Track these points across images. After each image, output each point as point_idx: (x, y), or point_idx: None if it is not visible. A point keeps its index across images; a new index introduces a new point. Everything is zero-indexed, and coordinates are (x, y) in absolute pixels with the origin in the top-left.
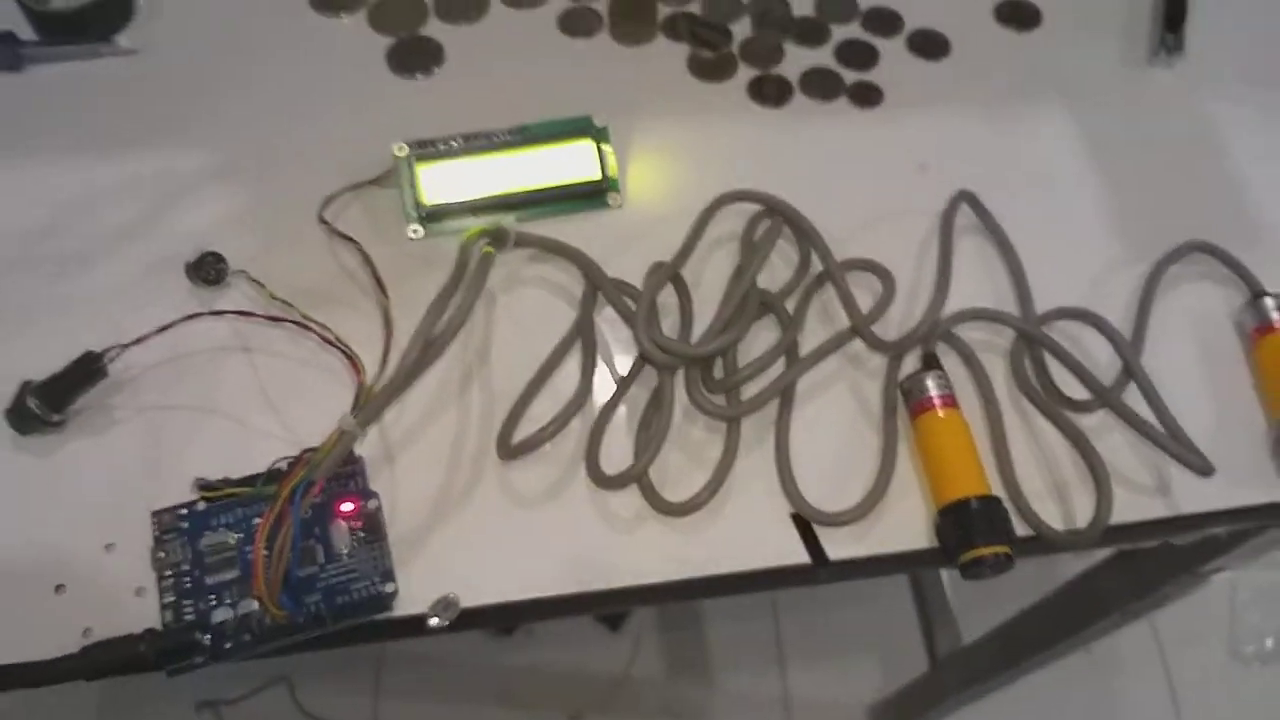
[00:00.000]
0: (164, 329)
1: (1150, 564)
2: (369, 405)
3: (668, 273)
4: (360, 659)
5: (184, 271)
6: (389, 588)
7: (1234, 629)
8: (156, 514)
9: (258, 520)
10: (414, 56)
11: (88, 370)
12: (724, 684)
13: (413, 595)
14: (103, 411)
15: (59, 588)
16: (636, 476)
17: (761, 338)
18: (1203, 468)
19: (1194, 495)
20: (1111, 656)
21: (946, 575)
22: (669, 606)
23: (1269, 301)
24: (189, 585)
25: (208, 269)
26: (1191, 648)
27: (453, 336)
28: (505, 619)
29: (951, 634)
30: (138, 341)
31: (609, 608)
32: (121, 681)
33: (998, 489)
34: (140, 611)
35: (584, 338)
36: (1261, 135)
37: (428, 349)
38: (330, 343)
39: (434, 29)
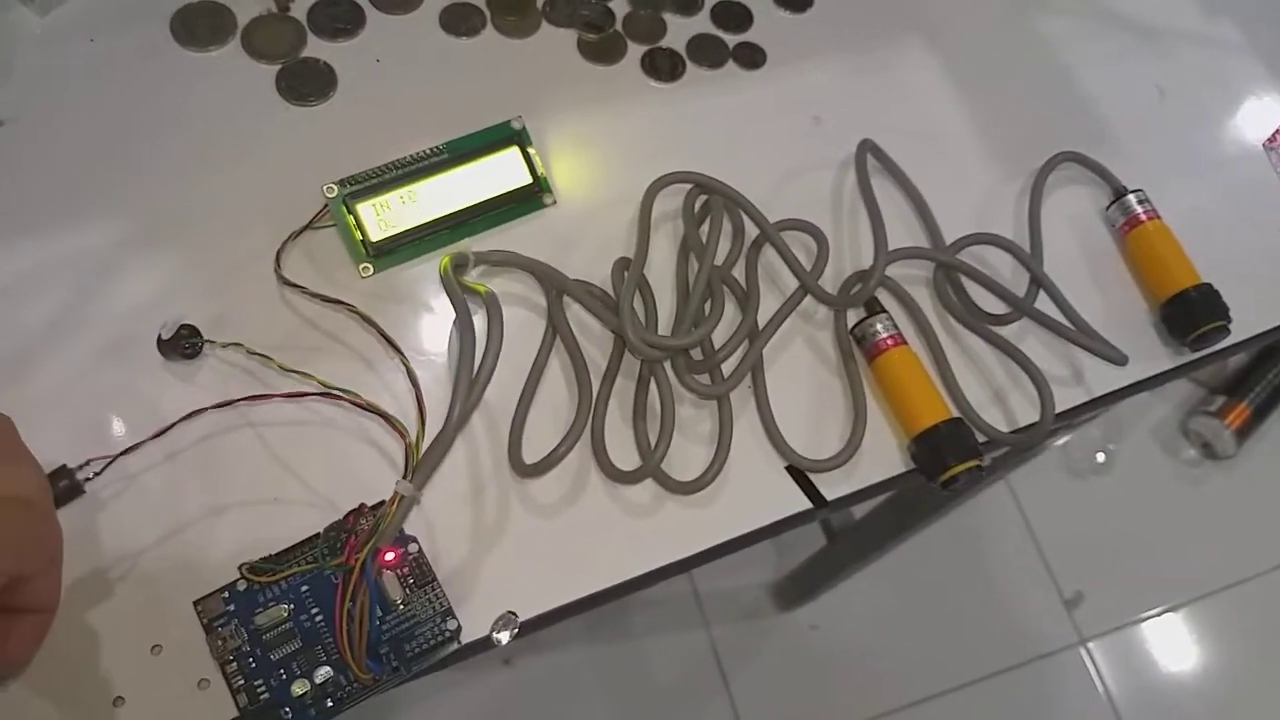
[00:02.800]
0: (162, 432)
1: None
2: (421, 466)
3: (635, 273)
4: None
5: (156, 348)
6: (452, 625)
7: (1066, 450)
8: (198, 602)
9: (305, 588)
10: (305, 82)
11: (67, 488)
12: (637, 596)
13: (473, 620)
14: (112, 523)
15: (118, 700)
16: (651, 472)
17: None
18: (1118, 358)
19: (1105, 379)
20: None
21: None
22: None
23: (1132, 198)
24: (254, 665)
25: (184, 344)
26: (1033, 477)
27: (487, 383)
28: (559, 619)
29: (845, 510)
30: (127, 451)
31: (647, 585)
32: None
33: (950, 407)
34: (209, 704)
35: (565, 343)
36: (1086, 44)
37: (468, 399)
38: (364, 408)
39: (315, 48)
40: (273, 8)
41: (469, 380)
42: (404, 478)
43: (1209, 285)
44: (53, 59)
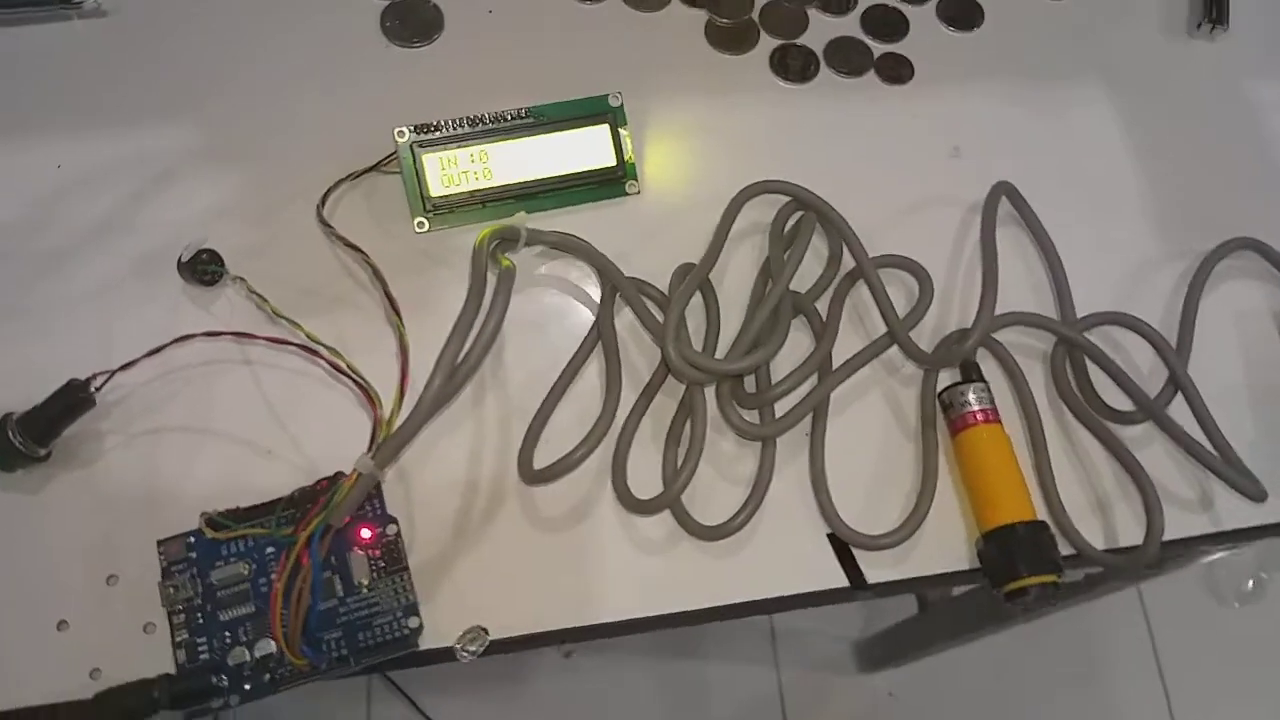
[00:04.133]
0: (153, 352)
1: None
2: (386, 444)
3: (696, 280)
4: None
5: (177, 270)
6: (413, 623)
7: (1212, 569)
8: (162, 544)
9: (271, 549)
10: (412, 22)
11: (73, 400)
12: None
13: (437, 625)
14: (93, 438)
15: (61, 624)
16: (669, 503)
17: (792, 342)
18: (1256, 493)
19: (1238, 510)
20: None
21: None
22: None
23: None
24: (201, 621)
25: (202, 269)
26: (1169, 588)
27: (476, 368)
28: (534, 645)
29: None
30: (125, 367)
31: (640, 631)
32: None
33: (1039, 505)
34: (150, 649)
35: (605, 346)
36: None
37: (449, 381)
38: (341, 371)
39: None
40: None
41: (453, 359)
42: (367, 453)
43: None
44: None
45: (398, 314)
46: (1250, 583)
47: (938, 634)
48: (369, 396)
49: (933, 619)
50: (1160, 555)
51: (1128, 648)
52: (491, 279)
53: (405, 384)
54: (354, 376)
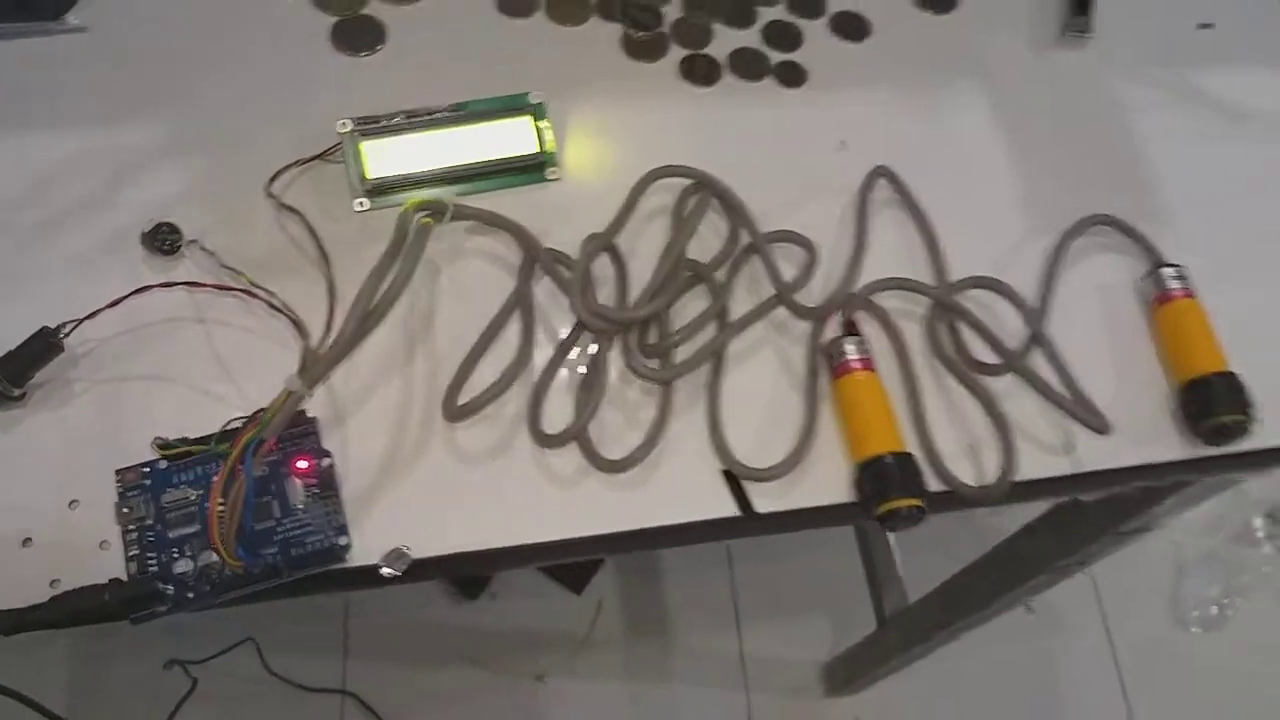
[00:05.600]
0: (115, 303)
1: (1077, 523)
2: (313, 367)
3: (601, 243)
4: (327, 620)
5: (140, 241)
6: (343, 540)
7: (1178, 594)
8: (120, 472)
9: (216, 478)
10: (357, 35)
11: (45, 345)
12: (683, 644)
13: (366, 548)
14: (62, 384)
15: (26, 541)
16: (575, 435)
17: (694, 307)
18: (1099, 426)
19: (1098, 454)
20: (1055, 621)
21: (893, 538)
22: (628, 571)
23: (1167, 271)
24: (152, 539)
25: (162, 239)
26: (1134, 612)
27: (393, 302)
28: (453, 570)
29: (898, 593)
30: (91, 316)
31: (550, 558)
32: (91, 639)
33: (914, 448)
34: (105, 564)
35: (522, 306)
36: (1159, 113)
37: (369, 314)
38: (277, 309)
39: (376, 9)
40: None
41: (371, 293)
42: (296, 374)
43: (1233, 374)
44: None
45: (327, 261)
46: (1214, 609)
47: (895, 646)
48: (299, 329)
49: (889, 632)
50: (1010, 489)
51: (1092, 672)
52: (411, 235)
53: (332, 318)
54: (288, 313)
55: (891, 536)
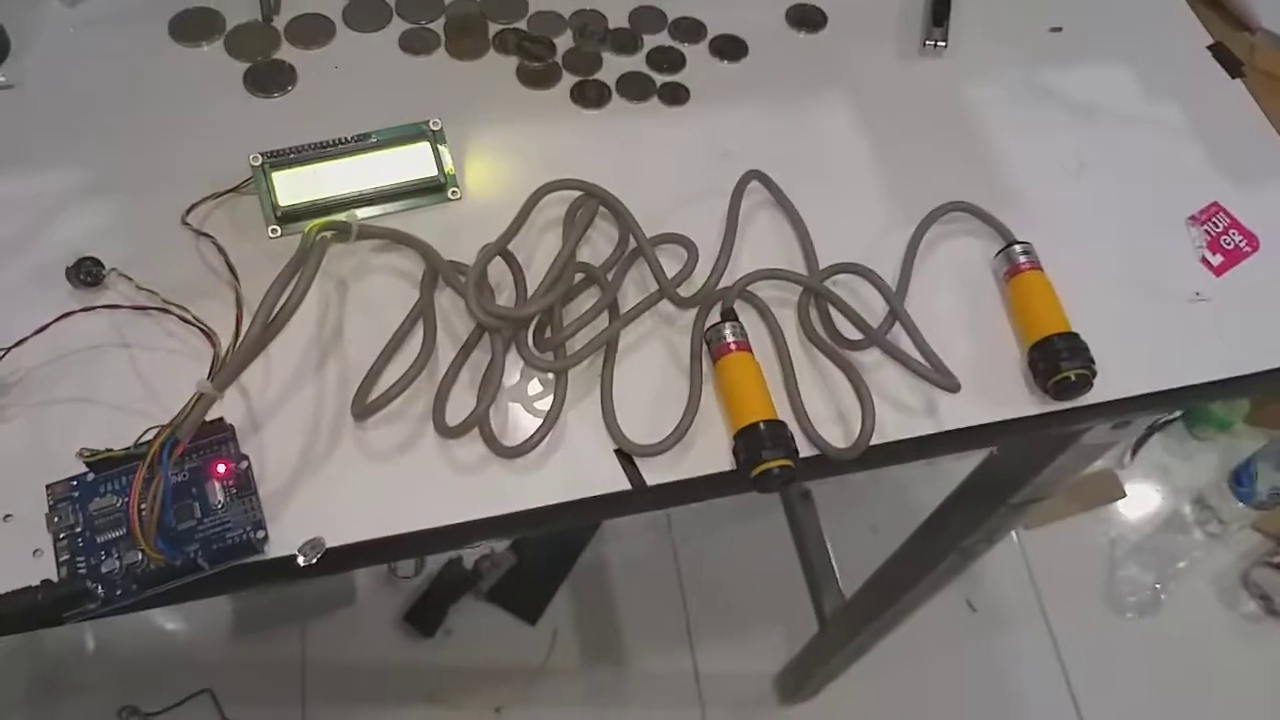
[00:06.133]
0: (42, 329)
1: (974, 501)
2: (223, 370)
3: (494, 250)
4: (284, 667)
5: (65, 276)
6: (260, 534)
7: (1113, 583)
8: (50, 486)
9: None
10: (269, 78)
11: None
12: (638, 667)
13: (284, 542)
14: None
15: None
16: (475, 423)
17: (587, 304)
18: (951, 385)
19: (957, 415)
20: (997, 617)
21: (829, 540)
22: (582, 598)
23: (1016, 248)
24: (81, 544)
25: (85, 271)
26: (1072, 603)
27: (295, 307)
28: (366, 557)
29: (834, 592)
30: (19, 343)
31: (459, 543)
32: (45, 688)
33: (789, 419)
34: (39, 570)
35: (425, 312)
36: (1012, 110)
37: (273, 321)
38: (189, 321)
39: (286, 53)
40: (258, 17)
41: (273, 303)
42: (206, 378)
43: (1075, 334)
44: (65, 40)
45: (235, 277)
46: (1149, 594)
47: (837, 643)
48: (210, 338)
49: (831, 631)
50: (868, 448)
51: (1037, 664)
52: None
53: (239, 327)
54: (199, 325)
55: (827, 539)
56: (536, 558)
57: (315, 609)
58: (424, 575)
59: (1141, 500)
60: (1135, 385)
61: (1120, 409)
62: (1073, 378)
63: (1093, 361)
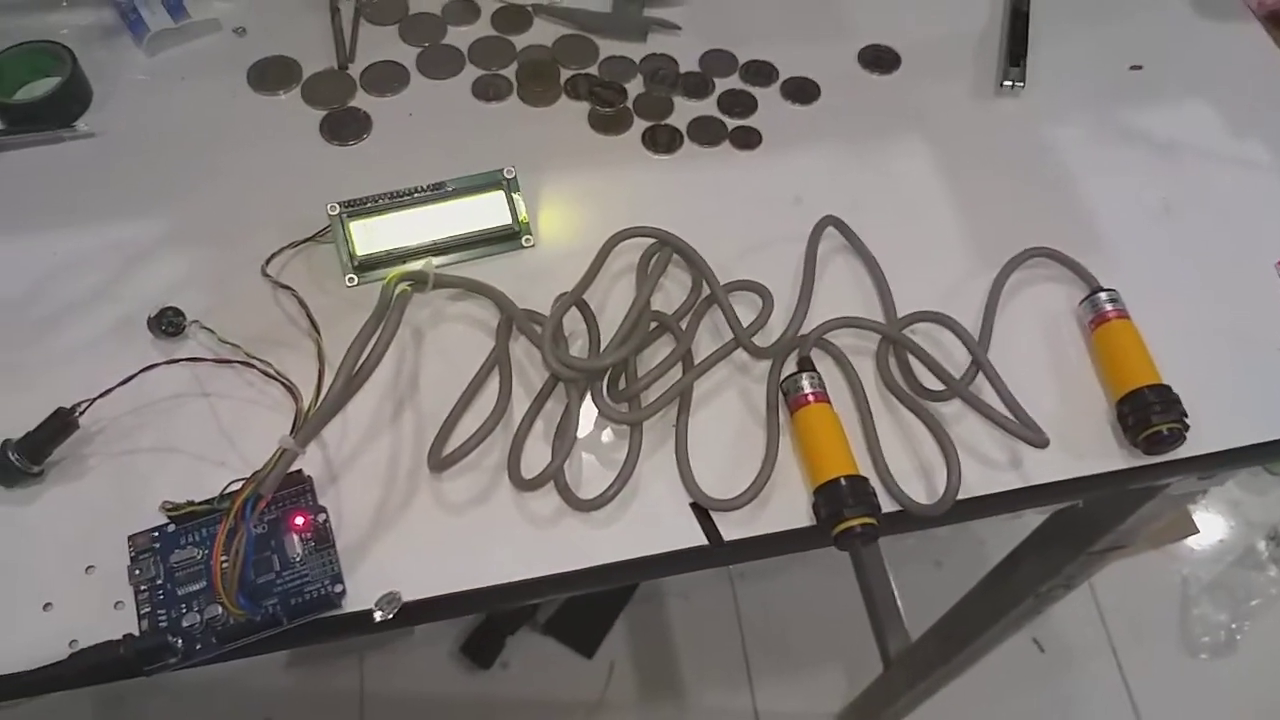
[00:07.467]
0: (126, 381)
1: (1054, 547)
2: (305, 426)
3: (570, 300)
4: (343, 698)
5: (146, 326)
6: (338, 588)
7: (1185, 622)
8: (132, 537)
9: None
10: (345, 126)
11: (61, 424)
12: (696, 703)
13: (360, 595)
14: (77, 460)
15: (46, 606)
16: (551, 476)
17: (661, 354)
18: (1038, 441)
19: (1043, 469)
20: (1066, 659)
21: (893, 579)
22: (639, 632)
23: (1102, 295)
24: (162, 596)
25: (167, 322)
26: (1144, 643)
27: (377, 363)
28: (442, 611)
29: (900, 634)
30: (103, 395)
31: (534, 596)
32: (107, 709)
33: (868, 472)
34: (120, 623)
35: (500, 362)
36: (1093, 151)
37: (355, 376)
38: (271, 376)
39: (361, 101)
40: (334, 65)
41: (355, 359)
42: (289, 434)
43: (1166, 386)
44: (146, 90)
45: (316, 330)
46: (1223, 634)
47: (902, 686)
48: (292, 393)
49: (896, 673)
50: (955, 504)
51: (1107, 707)
52: (391, 302)
53: (321, 382)
54: (281, 379)
55: (892, 579)
56: (593, 591)
57: (374, 641)
58: None
59: (1214, 536)
60: (1225, 439)
61: (1211, 463)
62: (1165, 431)
63: (1185, 415)
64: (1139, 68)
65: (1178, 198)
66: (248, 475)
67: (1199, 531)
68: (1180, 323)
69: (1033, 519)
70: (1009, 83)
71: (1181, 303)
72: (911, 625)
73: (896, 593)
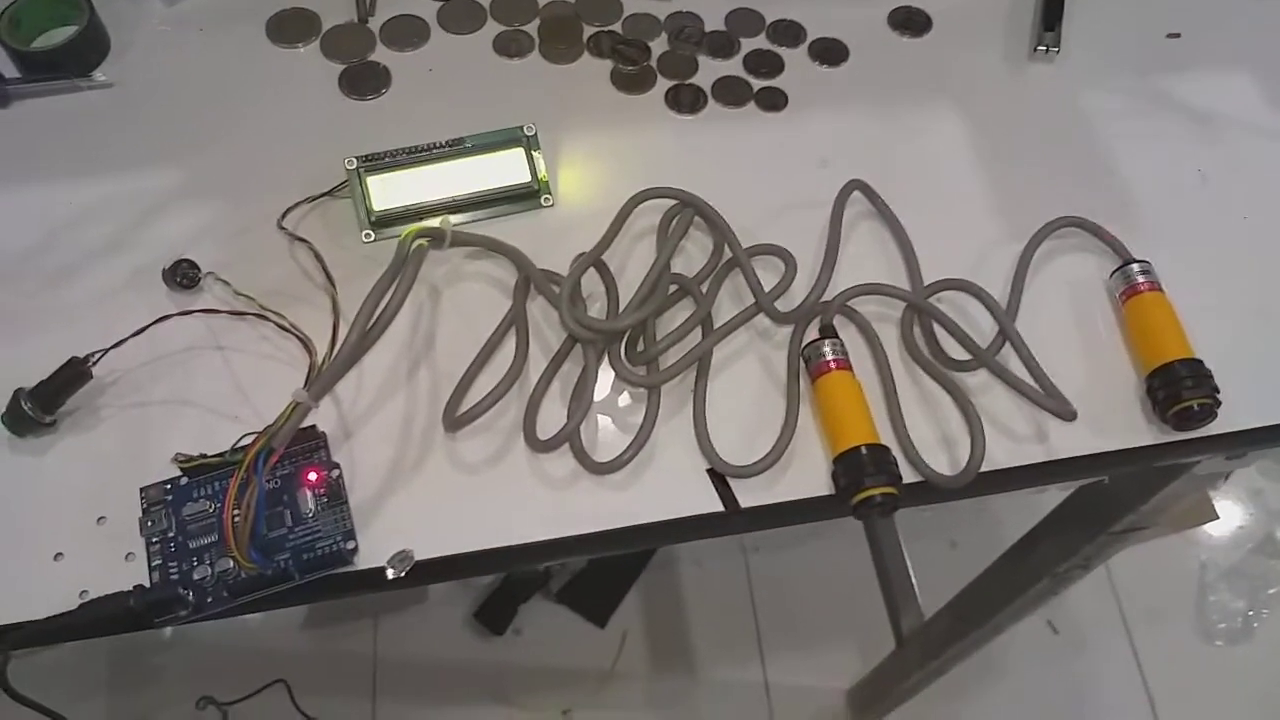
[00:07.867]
0: (139, 331)
1: (1073, 527)
2: (319, 380)
3: (589, 260)
4: (356, 660)
5: (161, 278)
6: (350, 545)
7: (1201, 608)
8: (144, 489)
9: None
10: (364, 80)
11: (74, 373)
12: (707, 675)
13: (373, 552)
14: (90, 410)
15: (57, 556)
16: (567, 438)
17: (680, 317)
18: (1065, 413)
19: (1070, 442)
20: (1080, 640)
21: (908, 556)
22: (651, 602)
23: (1134, 267)
24: (173, 549)
25: (181, 274)
26: (1159, 628)
27: (392, 317)
28: (454, 571)
29: (914, 612)
30: (117, 345)
31: (547, 559)
32: (128, 679)
33: (890, 442)
34: (131, 574)
35: (517, 322)
36: (1128, 120)
37: (369, 330)
38: (285, 329)
39: (381, 55)
40: (354, 18)
41: (370, 312)
42: (303, 388)
43: (1199, 361)
44: (164, 40)
45: (332, 284)
46: (1240, 621)
47: (915, 663)
48: (306, 346)
49: (909, 650)
50: (978, 476)
51: (1120, 691)
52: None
53: (336, 335)
54: (295, 332)
55: (906, 555)
56: (606, 560)
57: (388, 604)
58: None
59: (1234, 523)
60: (1258, 416)
61: (1240, 441)
62: (1195, 407)
63: (1217, 390)
64: (1177, 35)
65: (1214, 169)
66: (261, 429)
67: (1219, 517)
68: (1214, 297)
69: (1051, 500)
70: (1043, 48)
71: (1215, 276)
72: (925, 604)
73: (911, 570)
